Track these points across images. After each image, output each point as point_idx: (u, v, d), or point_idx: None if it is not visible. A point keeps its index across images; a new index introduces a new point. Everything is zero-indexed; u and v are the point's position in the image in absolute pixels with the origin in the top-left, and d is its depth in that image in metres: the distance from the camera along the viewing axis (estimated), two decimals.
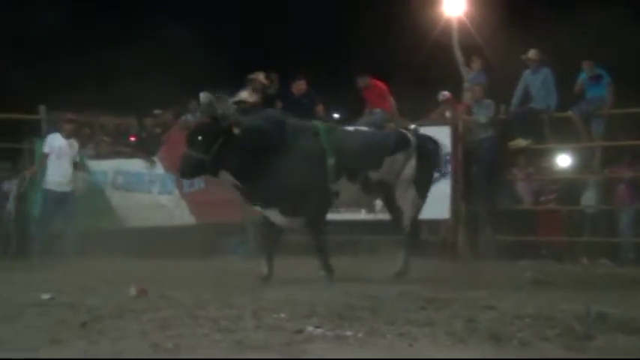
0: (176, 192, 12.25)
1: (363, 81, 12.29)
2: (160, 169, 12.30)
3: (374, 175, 8.08)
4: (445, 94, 12.79)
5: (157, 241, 12.03)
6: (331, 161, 7.78)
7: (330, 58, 18.82)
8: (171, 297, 5.80)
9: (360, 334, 4.15)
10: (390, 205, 8.42)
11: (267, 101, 12.35)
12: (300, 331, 4.23)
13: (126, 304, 5.34)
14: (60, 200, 11.26)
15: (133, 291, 6.11)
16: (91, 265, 9.53)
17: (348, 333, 4.18)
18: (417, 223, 8.53)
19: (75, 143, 11.46)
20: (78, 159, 11.46)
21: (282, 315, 4.83)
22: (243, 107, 12.22)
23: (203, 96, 7.56)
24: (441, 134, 11.75)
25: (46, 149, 11.30)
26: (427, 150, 8.50)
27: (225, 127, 7.52)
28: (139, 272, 8.39)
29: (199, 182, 11.90)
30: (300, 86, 12.58)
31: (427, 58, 15.83)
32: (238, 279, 7.80)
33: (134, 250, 11.30)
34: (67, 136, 11.39)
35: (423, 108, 12.99)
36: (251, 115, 8.24)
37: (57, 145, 11.29)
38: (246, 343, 3.87)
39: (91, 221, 11.70)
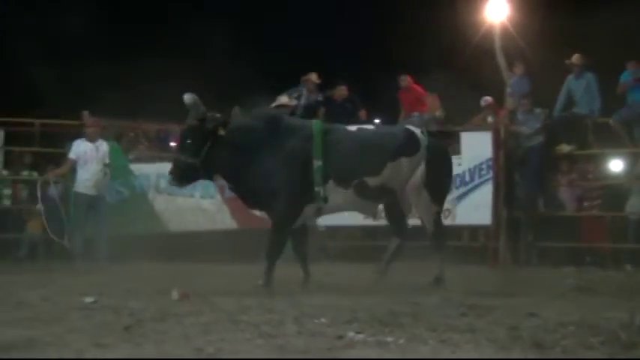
0: (218, 196, 12.32)
1: (403, 81, 12.29)
2: None
3: (372, 181, 7.56)
4: (487, 99, 12.73)
5: (199, 246, 12.14)
6: (318, 163, 7.39)
7: (371, 62, 18.82)
8: (213, 301, 5.83)
9: (401, 341, 4.13)
10: (391, 210, 7.97)
11: (309, 107, 12.38)
12: (341, 337, 4.22)
13: (168, 308, 5.38)
14: (90, 204, 11.37)
15: (175, 295, 6.15)
16: (133, 269, 9.63)
17: (390, 339, 4.16)
18: (441, 228, 7.99)
19: (103, 146, 11.56)
20: (107, 161, 11.54)
21: (323, 320, 4.83)
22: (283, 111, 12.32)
23: (187, 97, 7.38)
24: (483, 140, 11.72)
25: (71, 155, 11.44)
26: (440, 151, 8.02)
27: (211, 129, 7.37)
28: (181, 276, 8.45)
29: None
30: (341, 92, 12.62)
31: (469, 62, 15.72)
32: (279, 284, 7.79)
33: (176, 254, 11.42)
34: (92, 140, 11.49)
35: (465, 113, 12.94)
36: (242, 116, 7.94)
37: (82, 149, 11.41)
38: (288, 349, 3.88)
39: (134, 225, 11.82)
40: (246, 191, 7.61)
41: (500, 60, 14.63)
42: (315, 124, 7.76)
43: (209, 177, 7.77)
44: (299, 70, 13.00)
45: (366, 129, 8.03)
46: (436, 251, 7.91)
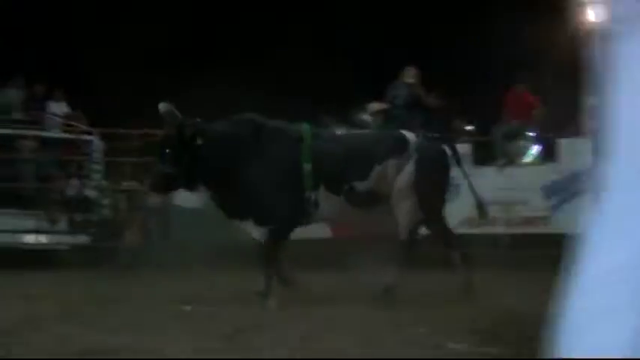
0: None
1: (520, 87, 12.12)
2: None
3: (360, 186, 7.15)
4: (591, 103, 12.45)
5: (293, 254, 12.17)
6: (307, 168, 7.06)
7: (467, 69, 18.59)
8: (310, 310, 5.83)
9: (506, 353, 4.04)
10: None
11: (408, 104, 12.34)
12: (439, 347, 4.16)
13: (267, 317, 5.41)
14: (190, 213, 11.53)
15: (272, 303, 6.17)
16: (229, 277, 9.72)
17: (493, 351, 4.08)
18: (413, 240, 7.40)
19: None
20: None
21: (422, 330, 4.77)
22: (376, 118, 12.32)
23: (162, 106, 7.08)
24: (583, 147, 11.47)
25: None
26: (432, 152, 7.48)
27: (189, 138, 7.06)
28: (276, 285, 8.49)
29: None
30: (436, 99, 12.51)
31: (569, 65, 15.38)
32: (376, 293, 7.74)
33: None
34: None
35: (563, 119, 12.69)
36: (220, 122, 7.50)
37: None
38: (388, 357, 3.84)
39: (228, 233, 11.94)
40: (228, 201, 7.25)
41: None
42: (304, 127, 7.37)
43: (191, 187, 7.38)
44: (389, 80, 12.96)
45: (355, 132, 7.83)
46: (395, 260, 7.30)
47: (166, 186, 7.39)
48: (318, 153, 7.14)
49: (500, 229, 11.97)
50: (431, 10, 20.47)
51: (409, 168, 7.20)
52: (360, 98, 13.21)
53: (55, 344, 4.14)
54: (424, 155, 7.29)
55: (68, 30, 18.51)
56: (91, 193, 13.77)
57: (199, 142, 7.04)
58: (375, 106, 12.63)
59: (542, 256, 8.66)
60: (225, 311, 5.72)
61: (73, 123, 14.25)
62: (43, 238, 13.55)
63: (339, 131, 7.61)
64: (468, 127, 14.65)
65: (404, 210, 7.21)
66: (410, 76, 12.45)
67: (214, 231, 11.83)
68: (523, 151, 12.67)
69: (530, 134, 12.56)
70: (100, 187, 13.76)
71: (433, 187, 7.36)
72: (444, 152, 7.58)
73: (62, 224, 13.63)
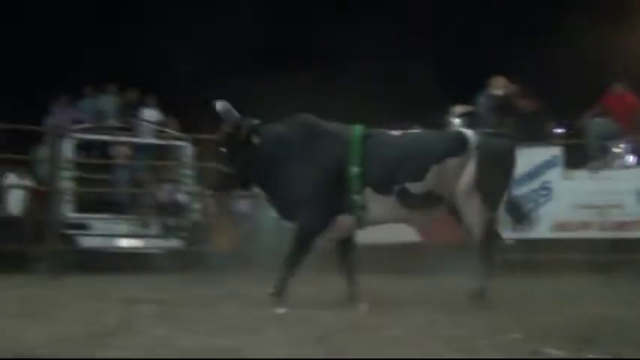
0: None
1: (619, 86, 11.87)
2: None
3: (415, 187, 6.95)
4: None
5: (382, 258, 12.16)
6: (354, 170, 6.95)
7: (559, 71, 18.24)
8: (402, 315, 5.81)
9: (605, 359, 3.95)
10: (459, 221, 7.25)
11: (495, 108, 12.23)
12: (536, 352, 4.10)
13: (359, 320, 5.42)
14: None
15: (364, 307, 6.17)
16: (320, 281, 9.76)
17: (591, 356, 4.00)
18: (492, 238, 7.20)
19: None
20: None
21: (516, 335, 4.70)
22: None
23: (218, 104, 7.15)
24: None
25: None
26: (495, 149, 7.19)
27: (244, 137, 7.12)
28: (367, 289, 8.49)
29: None
30: (529, 102, 12.36)
31: None
32: (464, 297, 7.67)
33: (360, 266, 11.48)
34: None
35: None
36: (275, 123, 7.49)
37: None
38: None
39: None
40: (279, 201, 7.29)
41: None
42: (355, 129, 7.24)
43: (245, 186, 7.56)
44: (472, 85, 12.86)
45: (412, 133, 7.49)
46: (480, 262, 7.15)
47: (224, 185, 7.49)
48: (367, 154, 7.02)
49: (594, 234, 11.73)
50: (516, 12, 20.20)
51: (470, 167, 7.01)
52: (444, 101, 13.15)
53: (153, 346, 4.22)
54: (485, 153, 7.07)
55: (158, 36, 18.85)
56: (182, 197, 14.04)
57: (254, 142, 7.11)
58: (459, 108, 12.54)
59: (638, 261, 8.46)
60: (318, 314, 5.74)
61: (165, 129, 14.56)
62: (136, 242, 13.89)
63: (395, 132, 7.34)
64: (560, 130, 14.40)
65: (473, 211, 7.03)
66: (498, 86, 12.34)
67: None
68: (617, 156, 12.38)
69: (625, 141, 12.26)
70: (191, 192, 14.01)
71: (496, 185, 7.14)
72: (507, 149, 7.31)
73: (155, 228, 13.95)
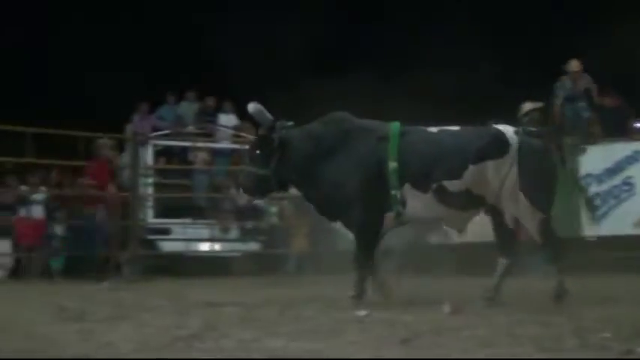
0: None
1: None
2: None
3: (452, 186, 6.91)
4: None
5: (457, 258, 12.07)
6: (392, 165, 6.95)
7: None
8: (486, 315, 5.74)
9: None
10: (497, 224, 7.21)
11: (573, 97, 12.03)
12: (630, 352, 3.99)
13: (442, 321, 5.37)
14: None
15: (447, 308, 6.12)
16: (400, 282, 9.72)
17: None
18: (552, 237, 7.11)
19: None
20: None
21: (607, 334, 4.60)
22: (532, 117, 12.02)
23: (251, 107, 7.21)
24: None
25: None
26: (536, 149, 7.04)
27: (278, 139, 7.18)
28: (447, 289, 8.42)
29: None
30: (612, 100, 12.12)
31: None
32: (547, 297, 7.55)
33: (438, 266, 11.43)
34: None
35: None
36: (310, 124, 7.54)
37: None
38: None
39: (396, 238, 11.95)
40: (318, 201, 7.34)
41: None
42: (393, 125, 7.23)
43: (282, 187, 7.53)
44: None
45: (451, 130, 7.29)
46: (551, 263, 7.15)
47: (258, 188, 7.49)
48: (404, 150, 7.02)
49: None
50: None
51: (513, 169, 6.91)
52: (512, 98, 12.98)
53: (238, 349, 4.26)
54: (527, 154, 6.95)
55: (233, 42, 19.05)
56: (260, 201, 14.13)
57: (287, 143, 7.19)
58: (528, 105, 12.36)
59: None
60: (401, 316, 5.71)
61: (242, 134, 14.71)
62: (216, 246, 14.06)
63: (433, 129, 7.26)
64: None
65: (525, 213, 6.96)
66: (573, 66, 12.12)
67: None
68: None
69: None
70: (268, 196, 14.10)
71: (543, 186, 7.03)
72: (547, 150, 7.17)
73: (234, 232, 14.09)
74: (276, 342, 4.48)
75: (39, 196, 14.02)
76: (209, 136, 15.06)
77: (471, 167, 6.92)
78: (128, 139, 14.19)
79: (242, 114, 15.19)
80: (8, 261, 13.91)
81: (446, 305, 6.15)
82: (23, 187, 14.10)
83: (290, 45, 19.07)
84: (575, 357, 3.90)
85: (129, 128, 14.83)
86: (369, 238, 7.18)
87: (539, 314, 5.80)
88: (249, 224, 14.22)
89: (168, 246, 13.93)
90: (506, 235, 7.23)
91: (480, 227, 10.52)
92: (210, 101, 15.39)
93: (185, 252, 14.03)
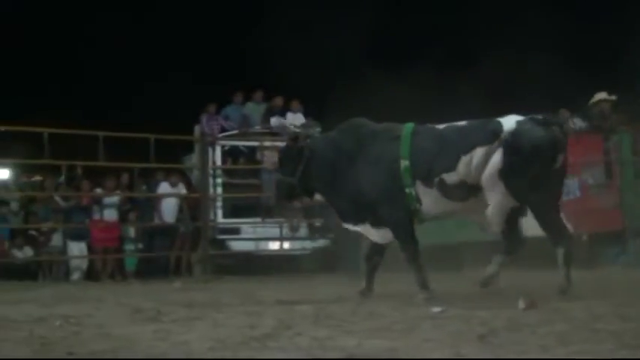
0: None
1: None
2: None
3: (449, 178, 7.07)
4: None
5: (534, 251, 11.87)
6: (405, 163, 7.20)
7: None
8: (563, 309, 5.64)
9: None
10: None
11: None
12: None
13: (518, 317, 5.29)
14: None
15: (521, 303, 6.02)
16: (467, 277, 9.62)
17: None
18: (516, 229, 7.32)
19: None
20: None
21: None
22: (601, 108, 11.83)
23: (273, 121, 7.58)
24: None
25: None
26: (528, 137, 6.91)
27: (300, 148, 7.66)
28: (520, 283, 8.31)
29: (575, 190, 11.59)
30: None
31: None
32: (626, 290, 7.40)
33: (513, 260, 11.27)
34: None
35: None
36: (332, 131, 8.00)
37: None
38: None
39: (461, 233, 11.88)
40: (342, 207, 7.69)
41: None
42: (407, 126, 7.45)
43: (308, 194, 8.01)
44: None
45: (455, 125, 7.39)
46: (502, 253, 7.34)
47: (286, 194, 7.99)
48: (414, 149, 7.27)
49: None
50: None
51: (496, 156, 6.93)
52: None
53: (313, 347, 4.25)
54: (516, 141, 6.92)
55: (298, 40, 19.08)
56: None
57: (310, 152, 7.64)
58: (600, 95, 12.15)
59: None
60: (475, 312, 5.64)
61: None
62: (285, 245, 14.12)
63: (441, 126, 7.41)
64: None
65: (495, 199, 6.99)
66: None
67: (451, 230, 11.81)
68: None
69: None
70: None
71: (522, 174, 6.92)
72: (545, 138, 6.97)
73: (303, 230, 14.13)
74: (351, 340, 4.46)
75: (112, 199, 14.28)
76: (277, 135, 15.11)
77: (463, 158, 7.05)
78: (197, 140, 14.34)
79: (310, 113, 15.26)
80: (84, 263, 14.20)
81: (521, 301, 6.04)
82: (98, 190, 14.36)
83: (351, 40, 18.98)
84: None
85: (197, 129, 14.97)
86: (406, 233, 7.40)
87: (618, 307, 5.68)
88: (318, 222, 14.23)
89: (238, 245, 14.04)
90: (551, 223, 7.23)
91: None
92: (279, 101, 15.43)
93: (255, 251, 14.12)
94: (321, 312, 6.12)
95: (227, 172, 14.63)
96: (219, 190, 14.15)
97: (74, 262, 14.11)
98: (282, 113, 15.29)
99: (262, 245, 14.24)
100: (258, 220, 14.12)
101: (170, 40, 21.36)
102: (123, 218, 14.65)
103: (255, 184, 14.60)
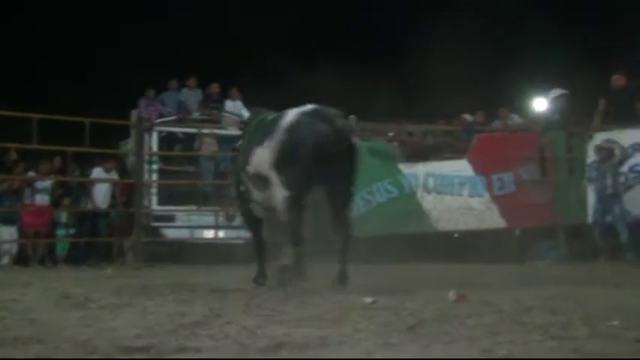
0: (487, 195, 12.15)
1: None
2: (470, 171, 12.27)
3: (248, 170, 7.45)
4: None
5: (467, 245, 12.05)
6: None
7: None
8: (491, 302, 5.68)
9: None
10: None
11: None
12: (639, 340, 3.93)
13: (448, 309, 5.31)
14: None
15: (452, 295, 6.06)
16: (404, 269, 9.68)
17: None
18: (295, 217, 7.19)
19: None
20: None
21: (615, 322, 4.53)
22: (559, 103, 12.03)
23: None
24: None
25: None
26: (296, 134, 7.04)
27: None
28: (453, 276, 8.39)
29: (510, 185, 11.76)
30: (617, 81, 12.01)
31: None
32: (554, 284, 7.52)
33: (445, 253, 11.41)
34: None
35: None
36: None
37: None
38: (584, 352, 3.66)
39: (404, 224, 11.96)
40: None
41: None
42: (262, 114, 7.72)
43: None
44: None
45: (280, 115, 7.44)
46: (292, 246, 7.22)
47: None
48: (245, 140, 7.79)
49: None
50: None
51: (274, 147, 7.11)
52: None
53: (242, 336, 4.21)
54: (288, 135, 7.06)
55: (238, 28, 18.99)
56: None
57: None
58: (556, 91, 12.35)
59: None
60: (407, 303, 5.65)
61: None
62: (220, 234, 14.01)
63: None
64: None
65: (274, 192, 7.17)
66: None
67: (392, 222, 11.89)
68: None
69: None
70: None
71: (292, 165, 7.02)
72: (312, 133, 7.02)
73: (238, 219, 14.02)
74: (280, 329, 4.42)
75: (45, 183, 14.00)
76: (215, 122, 14.99)
77: (256, 150, 7.31)
78: (133, 125, 14.14)
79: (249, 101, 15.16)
80: (14, 247, 13.90)
81: (451, 293, 6.09)
82: (31, 174, 14.07)
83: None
84: (585, 345, 3.83)
85: (134, 114, 14.75)
86: (248, 223, 8.04)
87: (547, 300, 5.76)
88: None
89: (172, 233, 13.89)
90: (334, 216, 7.30)
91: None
92: (215, 88, 15.30)
93: (189, 239, 13.99)
94: (253, 301, 6.07)
95: (163, 159, 14.44)
96: (155, 176, 13.96)
97: (4, 247, 13.79)
98: (220, 100, 15.19)
99: (197, 233, 14.11)
100: (194, 207, 13.98)
101: (107, 23, 21.04)
102: (55, 203, 14.36)
103: (192, 172, 14.46)
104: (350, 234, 7.39)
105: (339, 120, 7.11)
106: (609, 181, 11.44)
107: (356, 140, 7.18)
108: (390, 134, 14.07)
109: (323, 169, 6.94)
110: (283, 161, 7.04)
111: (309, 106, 7.25)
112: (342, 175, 7.15)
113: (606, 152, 11.52)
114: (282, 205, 7.09)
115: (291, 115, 7.19)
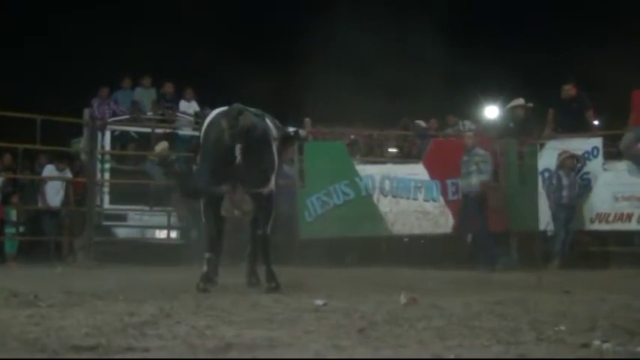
0: (441, 199, 12.23)
1: None
2: (425, 175, 12.33)
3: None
4: None
5: (422, 249, 12.13)
6: None
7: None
8: (441, 306, 5.72)
9: None
10: None
11: None
12: (585, 346, 3.98)
13: (398, 312, 5.34)
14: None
15: (402, 299, 6.10)
16: (357, 272, 9.71)
17: None
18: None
19: None
20: None
21: (562, 328, 4.60)
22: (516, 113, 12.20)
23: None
24: None
25: None
26: (209, 124, 7.56)
27: None
28: (405, 279, 8.45)
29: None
30: (568, 91, 12.18)
31: None
32: (504, 290, 7.60)
33: (399, 257, 11.47)
34: None
35: None
36: None
37: None
38: (530, 356, 3.70)
39: (359, 227, 11.99)
40: None
41: None
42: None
43: None
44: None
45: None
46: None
47: None
48: None
49: (633, 226, 11.57)
50: None
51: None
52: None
53: (191, 337, 4.19)
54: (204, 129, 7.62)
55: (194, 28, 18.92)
56: None
57: None
58: (516, 101, 12.51)
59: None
60: (358, 306, 5.68)
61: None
62: (172, 234, 13.91)
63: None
64: (597, 122, 14.24)
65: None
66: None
67: (347, 224, 11.90)
68: None
69: None
70: None
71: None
72: (216, 129, 7.32)
73: (190, 220, 13.92)
74: (230, 330, 4.42)
75: None
76: (168, 122, 14.87)
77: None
78: (86, 123, 13.98)
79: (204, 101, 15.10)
80: None
81: (402, 296, 6.13)
82: None
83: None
84: (532, 350, 3.87)
85: (86, 112, 14.55)
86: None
87: (495, 306, 5.80)
88: None
89: (124, 232, 13.76)
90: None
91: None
92: (169, 87, 15.18)
93: (141, 239, 13.86)
94: (203, 302, 6.06)
95: (116, 158, 14.29)
96: (107, 175, 13.81)
97: None
98: (174, 100, 15.07)
99: (149, 233, 13.98)
100: (146, 207, 13.84)
101: (67, 19, 20.79)
102: (5, 200, 14.13)
103: (145, 171, 14.32)
104: (266, 233, 7.55)
105: (242, 118, 7.21)
106: (567, 191, 11.58)
107: (261, 136, 7.39)
108: (352, 137, 14.09)
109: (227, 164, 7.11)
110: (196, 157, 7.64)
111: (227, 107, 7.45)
112: (250, 170, 7.25)
113: (572, 161, 11.63)
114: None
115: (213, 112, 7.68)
